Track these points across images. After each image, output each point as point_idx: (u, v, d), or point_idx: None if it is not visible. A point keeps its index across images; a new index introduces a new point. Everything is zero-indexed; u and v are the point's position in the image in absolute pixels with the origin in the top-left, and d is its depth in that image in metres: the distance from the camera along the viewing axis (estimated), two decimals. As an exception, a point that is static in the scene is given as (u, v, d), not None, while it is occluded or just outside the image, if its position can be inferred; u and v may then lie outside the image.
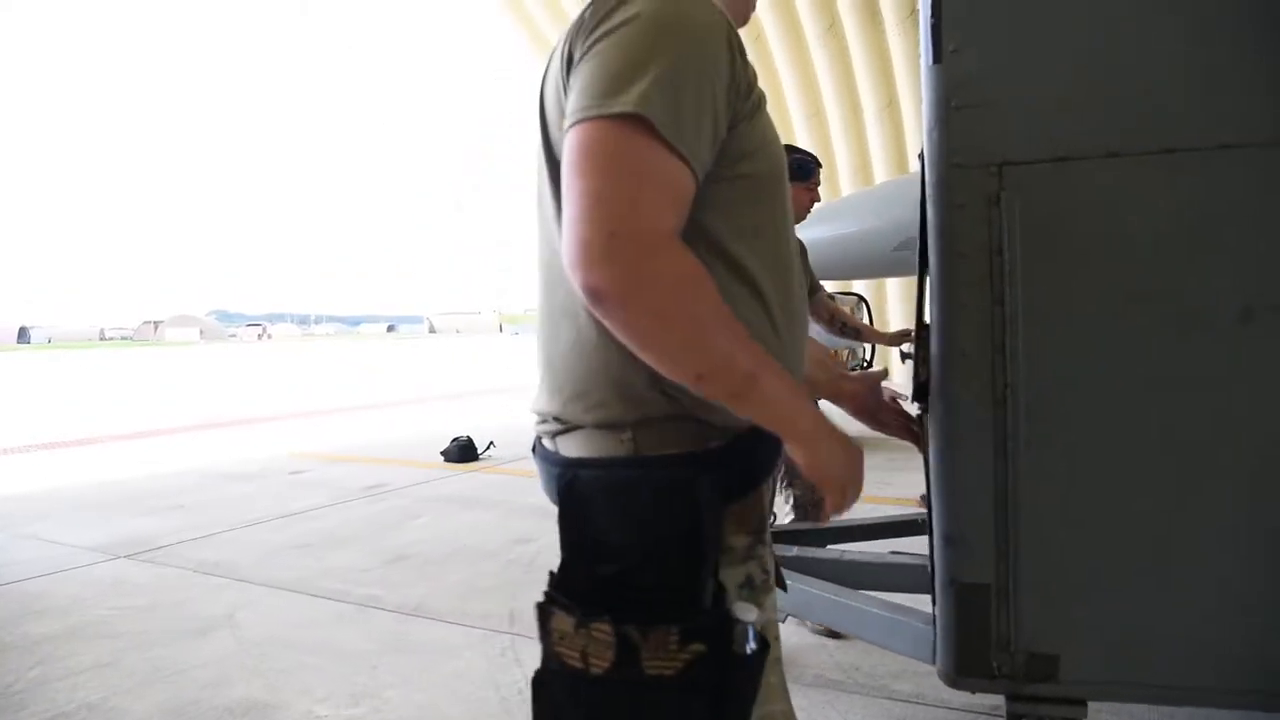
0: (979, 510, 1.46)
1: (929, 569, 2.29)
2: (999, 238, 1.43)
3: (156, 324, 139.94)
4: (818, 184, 3.02)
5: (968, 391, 1.46)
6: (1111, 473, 1.41)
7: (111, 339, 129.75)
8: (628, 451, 1.05)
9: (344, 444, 9.49)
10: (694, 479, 1.01)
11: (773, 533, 2.79)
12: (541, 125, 1.10)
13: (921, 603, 2.29)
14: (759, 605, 1.07)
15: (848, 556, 2.49)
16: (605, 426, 1.06)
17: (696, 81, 0.96)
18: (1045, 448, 1.44)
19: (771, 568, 1.16)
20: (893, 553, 2.59)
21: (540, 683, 1.05)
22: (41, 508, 6.21)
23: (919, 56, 1.50)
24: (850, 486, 1.11)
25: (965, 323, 1.46)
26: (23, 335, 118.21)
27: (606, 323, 0.96)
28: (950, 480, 1.49)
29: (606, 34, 0.97)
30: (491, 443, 8.39)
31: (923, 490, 5.22)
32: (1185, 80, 1.36)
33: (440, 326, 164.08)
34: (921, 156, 1.53)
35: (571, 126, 0.96)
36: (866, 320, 8.30)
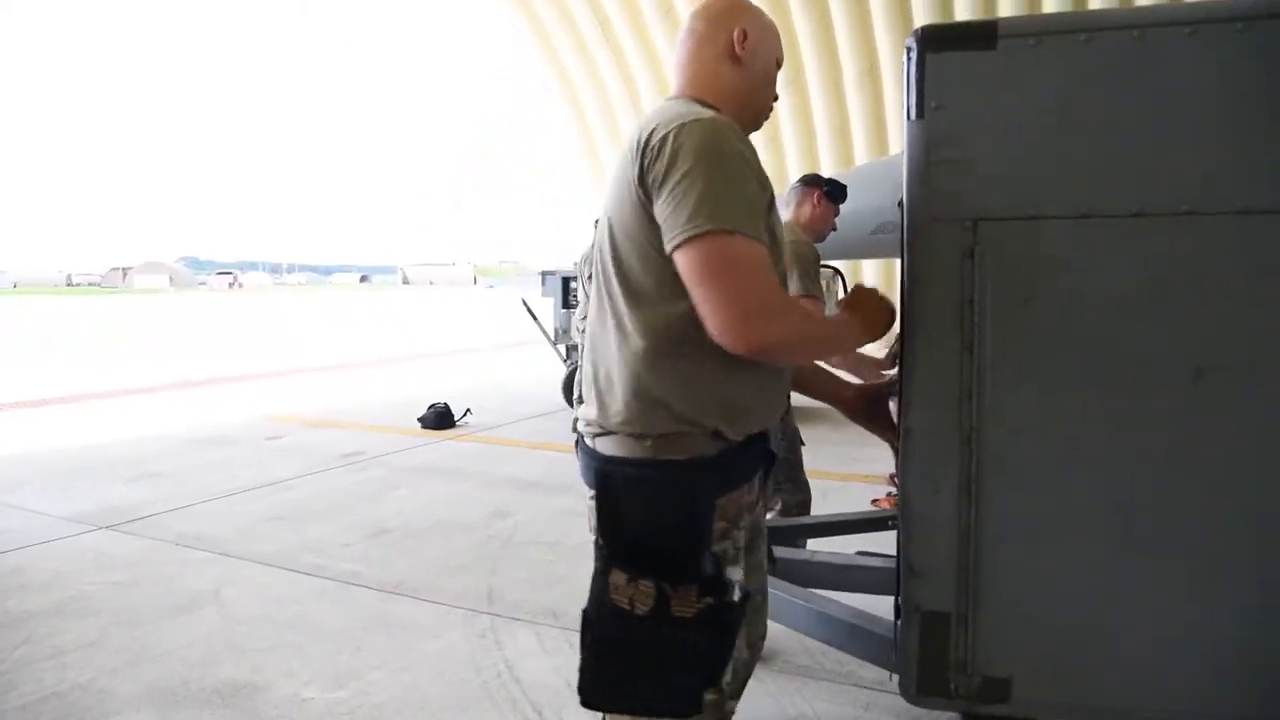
0: (944, 544, 1.56)
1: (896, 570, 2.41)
2: (971, 288, 1.51)
3: (125, 270, 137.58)
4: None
5: (938, 431, 1.54)
6: (1065, 513, 1.51)
7: (78, 285, 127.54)
8: (648, 454, 1.45)
9: (321, 407, 9.51)
10: (693, 479, 1.44)
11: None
12: (612, 218, 1.48)
13: (886, 605, 2.40)
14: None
15: (818, 558, 2.59)
16: (633, 435, 1.46)
17: (744, 188, 1.37)
18: (1006, 488, 1.53)
19: (741, 544, 1.53)
20: (859, 553, 2.70)
21: (588, 617, 1.51)
22: (18, 474, 6.21)
23: (905, 112, 1.56)
24: (881, 312, 1.52)
25: (938, 366, 1.54)
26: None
27: (767, 362, 1.45)
28: (918, 515, 1.58)
29: (677, 174, 1.35)
30: (468, 410, 8.44)
31: (891, 471, 5.35)
32: (1153, 149, 1.43)
33: (414, 277, 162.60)
34: (901, 205, 1.59)
35: (686, 242, 1.33)
36: (841, 291, 8.39)
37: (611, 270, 1.48)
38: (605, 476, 1.48)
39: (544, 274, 9.63)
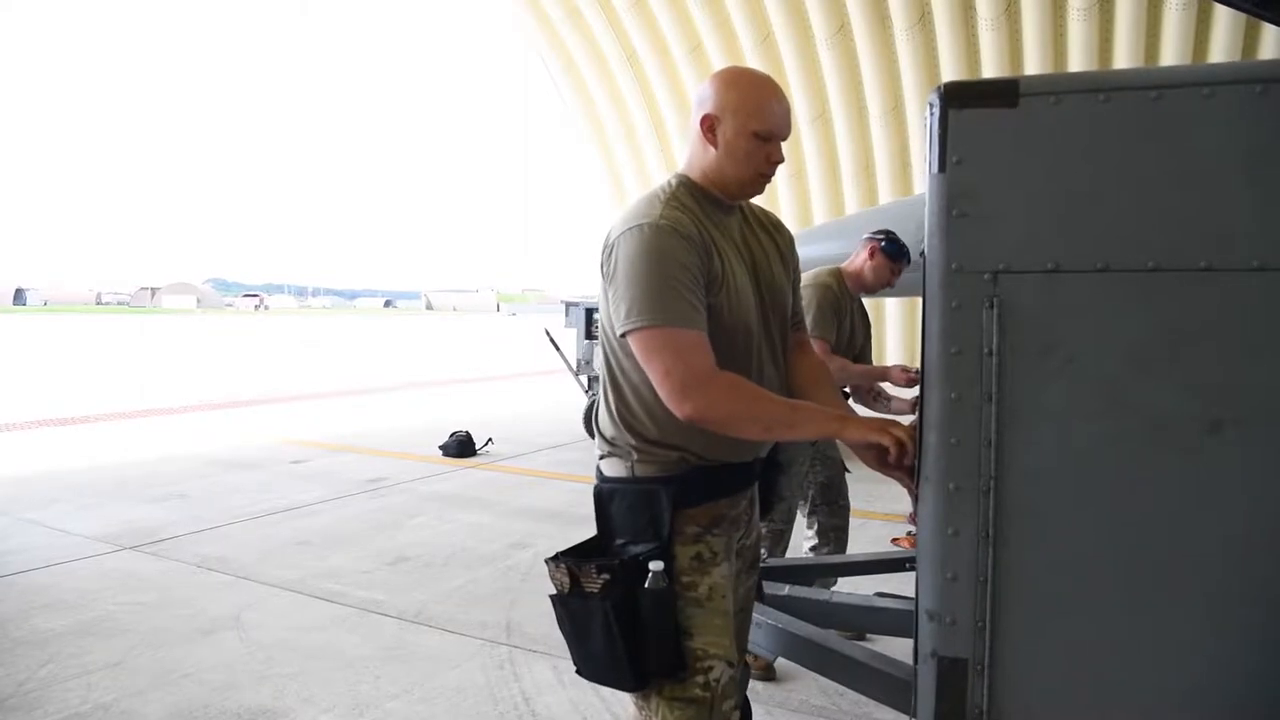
0: (962, 591, 1.57)
1: (914, 613, 2.41)
2: (990, 339, 1.53)
3: (153, 290, 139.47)
4: (906, 263, 3.59)
5: (957, 480, 1.56)
6: (1082, 563, 1.52)
7: (108, 304, 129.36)
8: (629, 473, 1.78)
9: (344, 431, 9.60)
10: (657, 491, 1.73)
11: (766, 569, 2.91)
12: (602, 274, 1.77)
13: (904, 647, 2.40)
14: (706, 574, 1.76)
15: (836, 598, 2.60)
16: (619, 456, 1.80)
17: (672, 284, 1.63)
18: (1024, 537, 1.54)
19: (721, 550, 1.79)
20: (878, 594, 2.70)
21: (552, 601, 1.79)
22: (45, 492, 6.31)
23: (928, 164, 1.59)
24: (887, 433, 1.67)
25: (958, 416, 1.56)
26: (19, 297, 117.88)
27: (706, 429, 1.67)
28: (937, 562, 1.59)
29: (616, 274, 1.68)
30: (490, 439, 8.49)
31: (910, 510, 5.35)
32: (1170, 207, 1.45)
33: (437, 304, 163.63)
34: (923, 255, 1.62)
35: (626, 335, 1.67)
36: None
37: (601, 329, 1.83)
38: (600, 491, 1.82)
39: (568, 304, 9.70)
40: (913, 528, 5.64)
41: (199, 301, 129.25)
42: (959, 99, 1.53)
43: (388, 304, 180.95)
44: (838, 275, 3.57)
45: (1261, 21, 8.91)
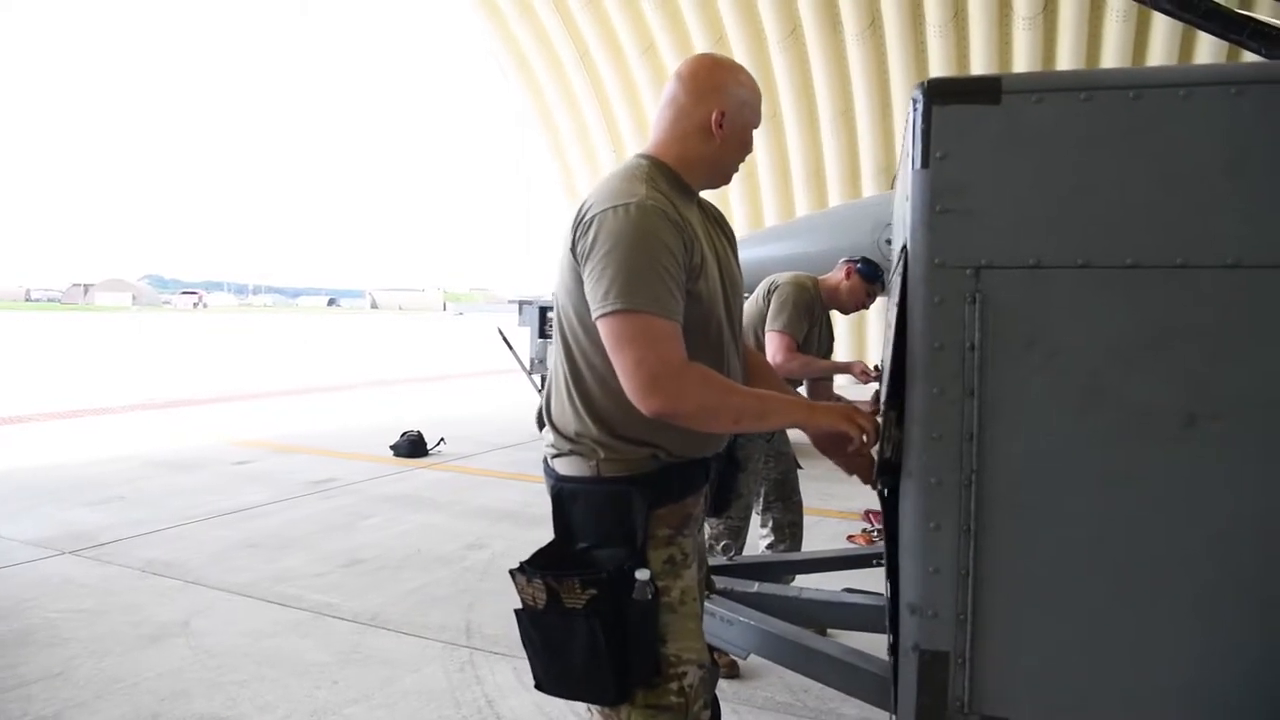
0: (944, 584, 1.58)
1: (885, 608, 2.42)
2: (973, 333, 1.54)
3: (86, 287, 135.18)
4: (880, 289, 3.68)
5: (939, 474, 1.57)
6: (1063, 556, 1.54)
7: (38, 300, 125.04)
8: (593, 472, 1.68)
9: (290, 432, 9.39)
10: (628, 492, 1.64)
11: (735, 566, 2.90)
12: (559, 270, 1.70)
13: (875, 642, 2.42)
14: (679, 577, 1.69)
15: (805, 594, 2.60)
16: (581, 455, 1.69)
17: (656, 270, 1.55)
18: (1005, 530, 1.55)
19: (691, 551, 1.73)
20: (847, 590, 2.71)
21: (518, 615, 1.70)
22: (-24, 494, 6.06)
23: (909, 159, 1.60)
24: (851, 421, 1.67)
25: (940, 410, 1.56)
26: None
27: (675, 424, 1.60)
28: (919, 555, 1.60)
29: (596, 255, 1.57)
30: (442, 439, 8.38)
31: (866, 507, 5.42)
32: (1148, 204, 1.47)
33: (382, 302, 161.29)
34: (905, 250, 1.63)
35: (599, 318, 1.57)
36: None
37: (560, 314, 1.73)
38: (559, 492, 1.72)
39: (521, 303, 9.63)
40: (869, 525, 5.71)
41: (134, 299, 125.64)
42: (942, 95, 1.54)
43: (331, 302, 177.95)
44: (816, 283, 3.64)
45: (1197, 31, 9.21)
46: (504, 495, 6.50)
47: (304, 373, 17.97)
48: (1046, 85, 1.53)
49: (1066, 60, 12.04)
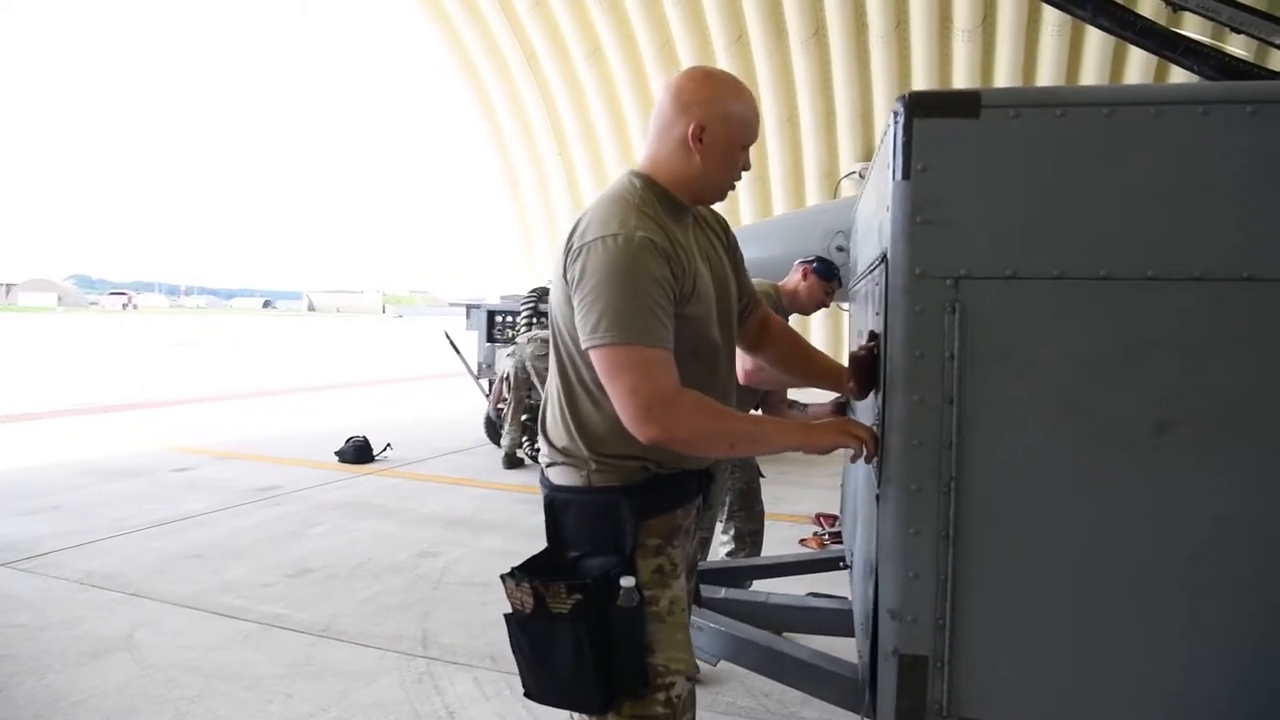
0: (923, 589, 1.60)
1: (850, 612, 2.45)
2: (952, 343, 1.57)
3: (8, 287, 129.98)
4: (838, 285, 3.68)
5: (919, 481, 1.59)
6: (1040, 561, 1.57)
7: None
8: (585, 482, 1.71)
9: (229, 438, 9.14)
10: (619, 502, 1.67)
11: (701, 572, 2.90)
12: (552, 289, 1.73)
13: (838, 645, 2.45)
14: (667, 587, 1.70)
15: (773, 599, 2.62)
16: (573, 464, 1.72)
17: (643, 301, 1.56)
18: (984, 536, 1.58)
19: (680, 562, 1.74)
20: (810, 594, 2.74)
21: (507, 620, 1.72)
22: (-105, 505, 5.77)
23: (888, 170, 1.62)
24: (851, 435, 1.69)
25: (920, 418, 1.59)
26: None
27: (671, 450, 1.62)
28: (899, 561, 1.62)
29: (586, 285, 1.58)
30: (389, 444, 8.24)
31: (816, 511, 5.47)
32: (1119, 218, 1.52)
33: (320, 304, 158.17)
34: (885, 259, 1.65)
35: (590, 349, 1.58)
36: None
37: (554, 331, 1.74)
38: (552, 501, 1.75)
39: (469, 306, 9.52)
40: (819, 528, 5.77)
41: (60, 299, 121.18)
42: (923, 109, 1.57)
43: (267, 304, 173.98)
44: (778, 289, 3.66)
45: (1129, 45, 9.52)
46: (454, 502, 6.42)
47: (242, 376, 17.53)
48: (1024, 101, 1.56)
49: (1004, 70, 12.38)
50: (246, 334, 40.35)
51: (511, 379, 7.70)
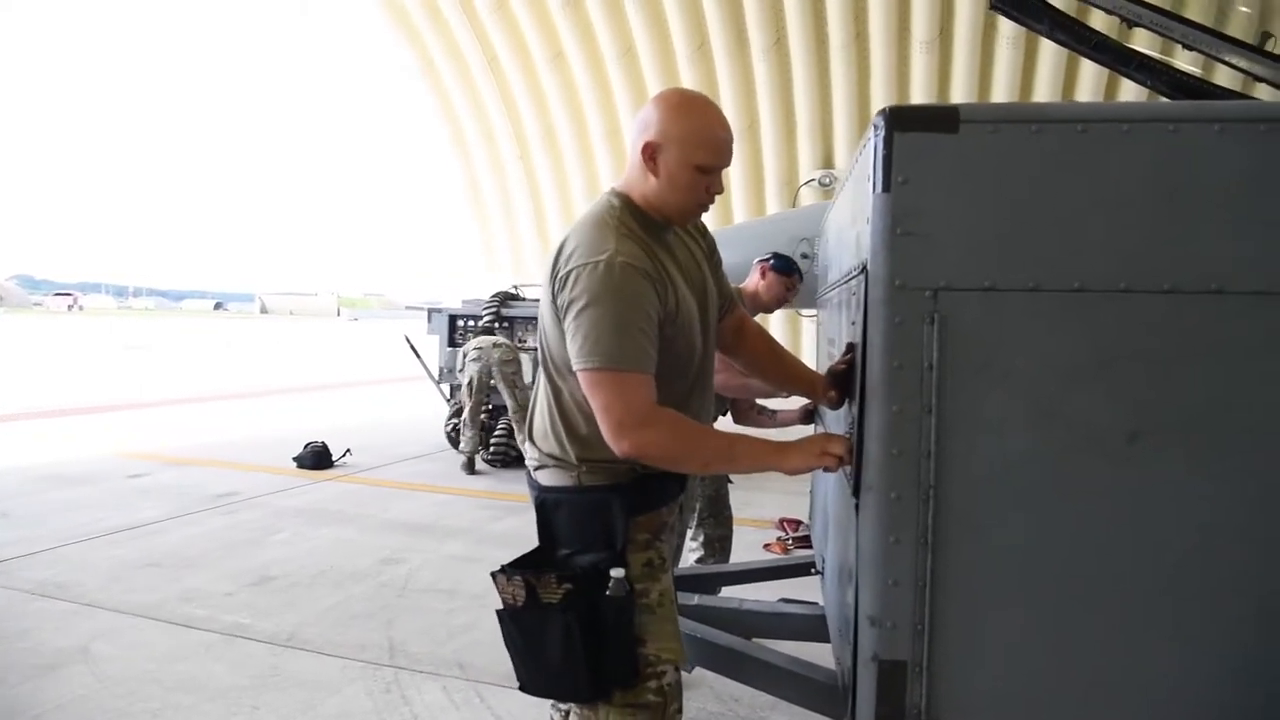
0: (903, 596, 1.63)
1: (824, 617, 2.48)
2: (931, 353, 1.59)
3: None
4: (799, 279, 3.68)
5: (898, 489, 1.62)
6: (1017, 567, 1.61)
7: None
8: (575, 482, 1.78)
9: (183, 443, 8.95)
10: (609, 500, 1.74)
11: (674, 578, 2.91)
12: (541, 307, 1.80)
13: (809, 650, 2.47)
14: (657, 580, 1.78)
15: (746, 605, 2.64)
16: (563, 467, 1.78)
17: (628, 324, 1.62)
18: (962, 543, 1.61)
19: (667, 555, 1.84)
20: (782, 600, 2.76)
21: (499, 616, 1.78)
22: None
23: (868, 183, 1.64)
24: (826, 455, 1.72)
25: (899, 427, 1.61)
26: None
27: (644, 464, 1.70)
28: (879, 568, 1.64)
29: (574, 310, 1.65)
30: (348, 449, 8.13)
31: (780, 516, 5.50)
32: (1092, 231, 1.56)
33: (273, 306, 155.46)
34: (865, 271, 1.67)
35: (578, 370, 1.65)
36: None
37: (542, 346, 1.82)
38: (543, 502, 1.82)
39: (430, 310, 9.43)
40: (782, 533, 5.81)
41: (1, 300, 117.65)
42: (903, 123, 1.59)
43: (218, 306, 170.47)
44: (738, 293, 3.67)
45: (1081, 59, 9.76)
46: (416, 508, 6.35)
47: (195, 380, 17.17)
48: (1001, 116, 1.60)
49: (960, 81, 12.61)
50: (198, 336, 39.54)
51: (475, 383, 7.63)
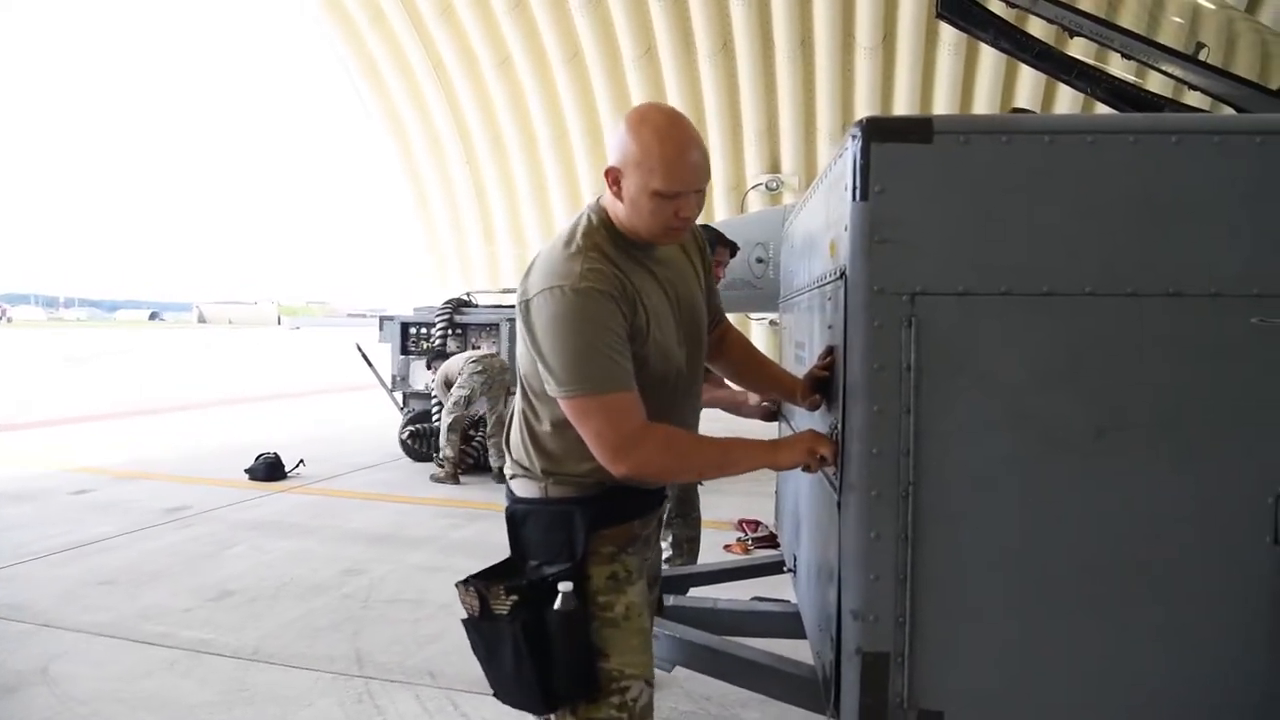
0: (884, 590, 1.69)
1: (798, 614, 2.54)
2: (909, 355, 1.66)
3: None
4: (720, 261, 3.54)
5: (878, 487, 1.68)
6: (994, 560, 1.68)
7: None
8: (541, 494, 1.79)
9: (128, 457, 8.74)
10: (572, 512, 1.75)
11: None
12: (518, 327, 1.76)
13: (787, 646, 2.52)
14: (623, 593, 1.76)
15: (721, 605, 2.68)
16: (532, 478, 1.80)
17: (595, 348, 1.61)
18: (940, 538, 1.68)
19: (635, 569, 1.81)
20: (755, 599, 2.82)
21: (464, 625, 1.79)
22: None
23: (845, 191, 1.70)
24: (814, 453, 1.77)
25: (879, 427, 1.67)
26: None
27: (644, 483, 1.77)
28: (861, 563, 1.70)
29: (539, 338, 1.65)
30: (301, 460, 8.01)
31: (739, 517, 5.56)
32: (1059, 237, 1.64)
33: (211, 316, 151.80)
34: (844, 276, 1.73)
35: (560, 400, 1.65)
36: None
37: (519, 366, 1.81)
38: (513, 512, 1.84)
39: (382, 318, 9.34)
40: (742, 534, 5.89)
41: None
42: (880, 133, 1.66)
43: (154, 316, 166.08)
44: None
45: (1020, 65, 10.06)
46: (374, 518, 6.29)
47: (137, 392, 16.72)
48: (973, 128, 1.67)
49: (903, 87, 12.88)
50: (135, 348, 38.46)
51: (473, 394, 7.48)
